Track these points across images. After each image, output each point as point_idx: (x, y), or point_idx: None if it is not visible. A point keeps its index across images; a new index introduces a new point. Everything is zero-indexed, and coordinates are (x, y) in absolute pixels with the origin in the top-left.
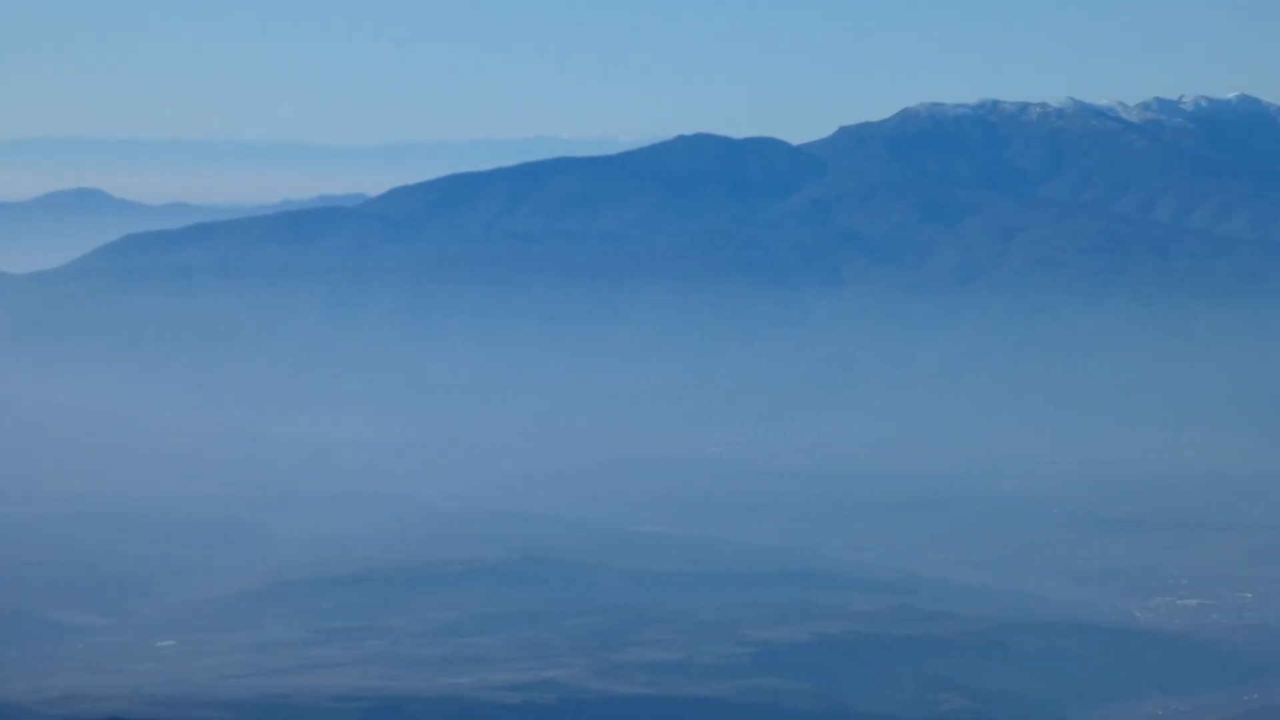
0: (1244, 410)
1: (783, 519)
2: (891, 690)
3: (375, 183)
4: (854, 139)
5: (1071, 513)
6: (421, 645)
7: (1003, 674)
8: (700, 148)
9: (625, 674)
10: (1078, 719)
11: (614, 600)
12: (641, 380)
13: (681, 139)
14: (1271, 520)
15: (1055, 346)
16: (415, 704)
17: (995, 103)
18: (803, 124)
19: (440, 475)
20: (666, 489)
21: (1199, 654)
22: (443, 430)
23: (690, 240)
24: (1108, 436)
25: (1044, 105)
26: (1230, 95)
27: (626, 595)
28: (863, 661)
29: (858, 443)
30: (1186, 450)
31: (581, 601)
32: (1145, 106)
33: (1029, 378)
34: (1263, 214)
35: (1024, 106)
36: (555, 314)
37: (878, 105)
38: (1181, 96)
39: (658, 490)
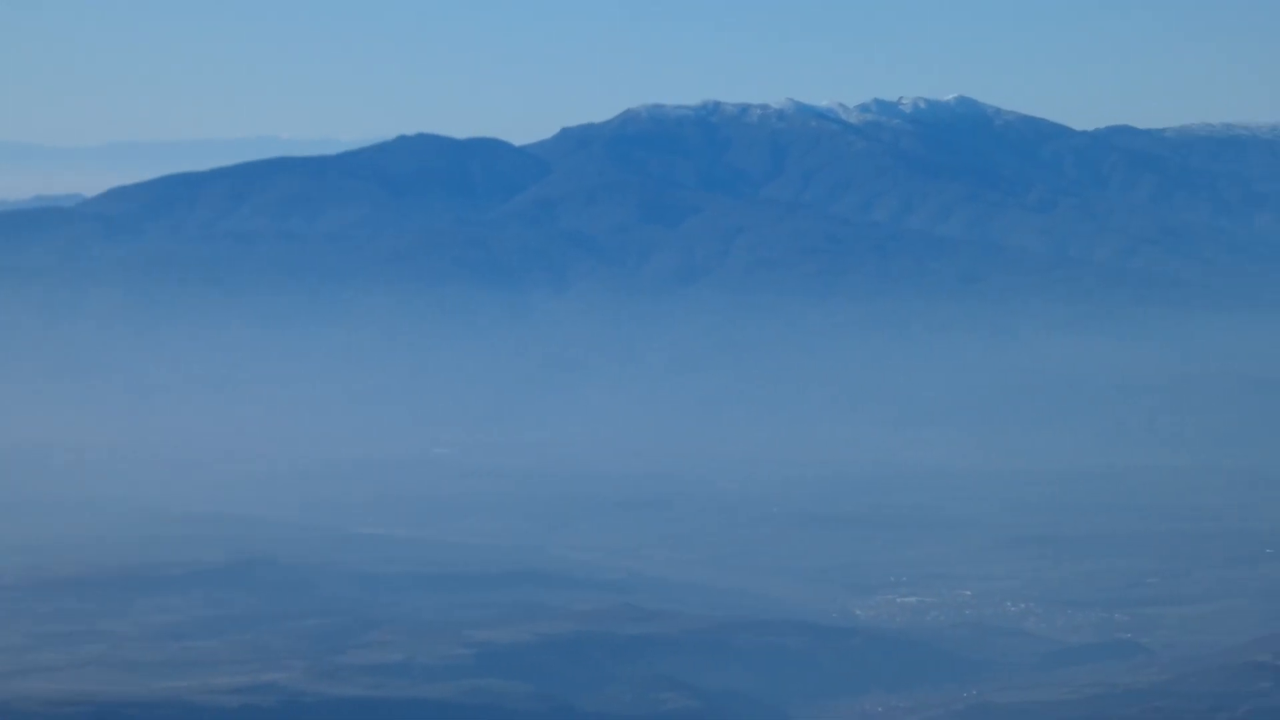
0: (963, 408)
1: (507, 519)
2: (614, 689)
3: (93, 183)
4: (576, 140)
5: (793, 511)
6: (140, 649)
7: (725, 672)
8: (422, 148)
9: (346, 676)
10: (799, 717)
11: (336, 602)
12: (365, 382)
13: (403, 139)
14: (991, 518)
15: (777, 346)
16: (133, 708)
17: (717, 104)
18: (525, 125)
19: (158, 478)
20: (390, 490)
21: (919, 651)
22: (161, 433)
23: (413, 241)
24: (829, 435)
25: (765, 107)
26: (948, 97)
27: (348, 597)
28: (586, 661)
29: (582, 442)
30: (907, 448)
31: (303, 604)
32: (864, 108)
33: (751, 377)
34: (980, 215)
35: (745, 108)
36: (276, 315)
37: (600, 106)
38: (900, 98)
39: (381, 492)
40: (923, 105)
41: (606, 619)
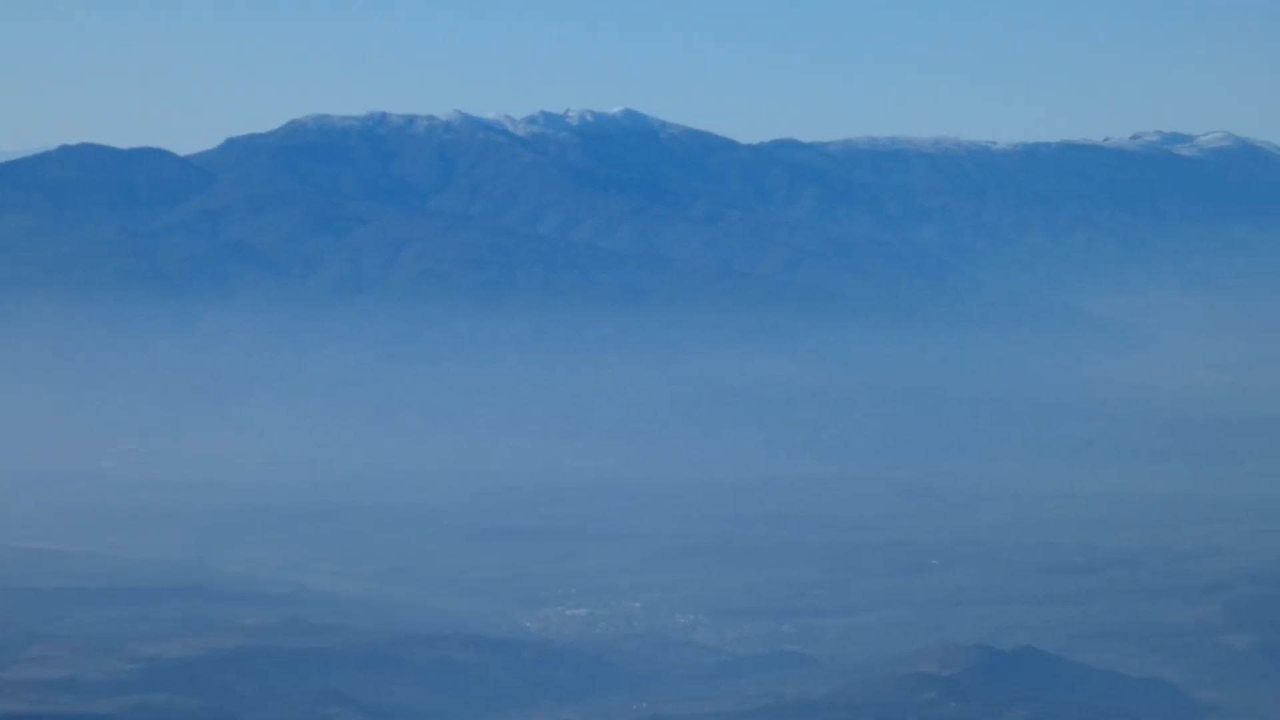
0: (631, 420)
1: (172, 533)
2: (283, 704)
3: None
4: (242, 150)
5: (463, 524)
6: None
7: (395, 687)
8: (84, 158)
9: (12, 692)
10: None
11: None
12: (27, 393)
13: (65, 149)
14: (659, 529)
15: (446, 357)
16: None
17: (383, 115)
18: (190, 135)
19: None
20: (53, 503)
21: (589, 663)
22: None
23: (75, 251)
24: (499, 447)
25: (432, 118)
26: (615, 110)
27: (11, 612)
28: (254, 676)
29: (249, 455)
30: (576, 460)
31: None
32: (532, 120)
33: (420, 389)
34: (646, 227)
35: (412, 119)
36: None
37: (266, 116)
38: (567, 111)
39: (43, 505)
40: (589, 118)
41: (274, 633)
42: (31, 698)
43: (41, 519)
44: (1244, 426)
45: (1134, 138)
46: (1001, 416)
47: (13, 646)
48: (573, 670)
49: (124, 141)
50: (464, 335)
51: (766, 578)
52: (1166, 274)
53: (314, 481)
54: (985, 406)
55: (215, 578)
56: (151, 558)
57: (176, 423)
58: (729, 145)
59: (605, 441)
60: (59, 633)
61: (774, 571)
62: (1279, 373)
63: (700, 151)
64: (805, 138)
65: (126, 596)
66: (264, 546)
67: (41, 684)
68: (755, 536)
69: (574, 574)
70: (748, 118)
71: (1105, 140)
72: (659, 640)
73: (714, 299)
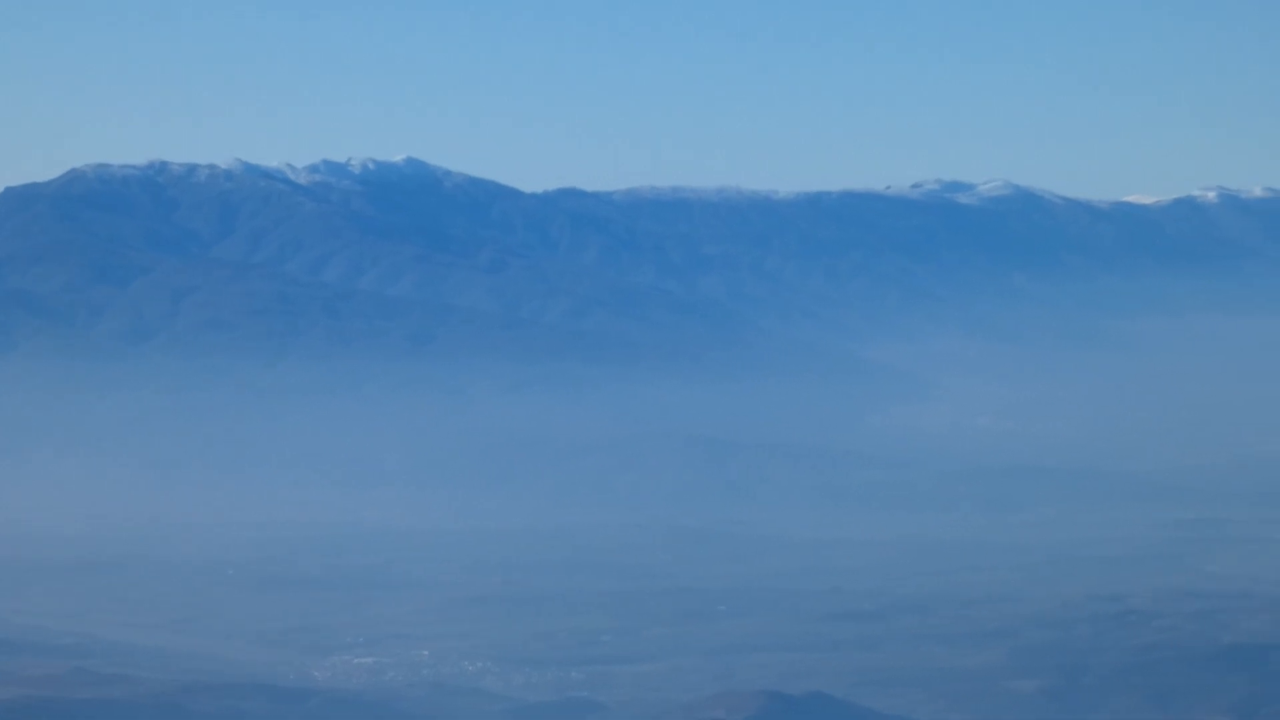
0: (418, 468)
1: None
2: None
3: None
4: (20, 200)
5: (250, 573)
6: None
7: None
8: None
9: None
10: None
11: None
12: None
13: None
14: (447, 577)
15: (230, 407)
16: None
17: (163, 164)
18: None
19: None
20: None
21: (376, 711)
22: None
23: None
24: (285, 497)
25: (213, 167)
26: (397, 158)
27: None
28: None
29: (31, 505)
30: (363, 509)
31: None
32: (313, 169)
33: (204, 439)
34: (430, 275)
35: (192, 168)
36: None
37: (44, 166)
38: (349, 159)
39: None
40: (371, 166)
41: (58, 684)
42: None
43: None
44: (1029, 472)
45: (915, 186)
46: (790, 463)
47: None
48: (358, 718)
49: None
50: (248, 384)
51: (556, 625)
52: (949, 321)
53: (97, 532)
54: (774, 453)
55: None
56: None
57: None
58: (513, 194)
59: (393, 490)
60: None
61: (563, 619)
62: (1062, 419)
63: (484, 199)
64: (589, 187)
65: None
66: (46, 597)
67: None
68: (545, 584)
69: (362, 623)
70: (531, 167)
71: (886, 189)
72: (446, 688)
73: (500, 347)
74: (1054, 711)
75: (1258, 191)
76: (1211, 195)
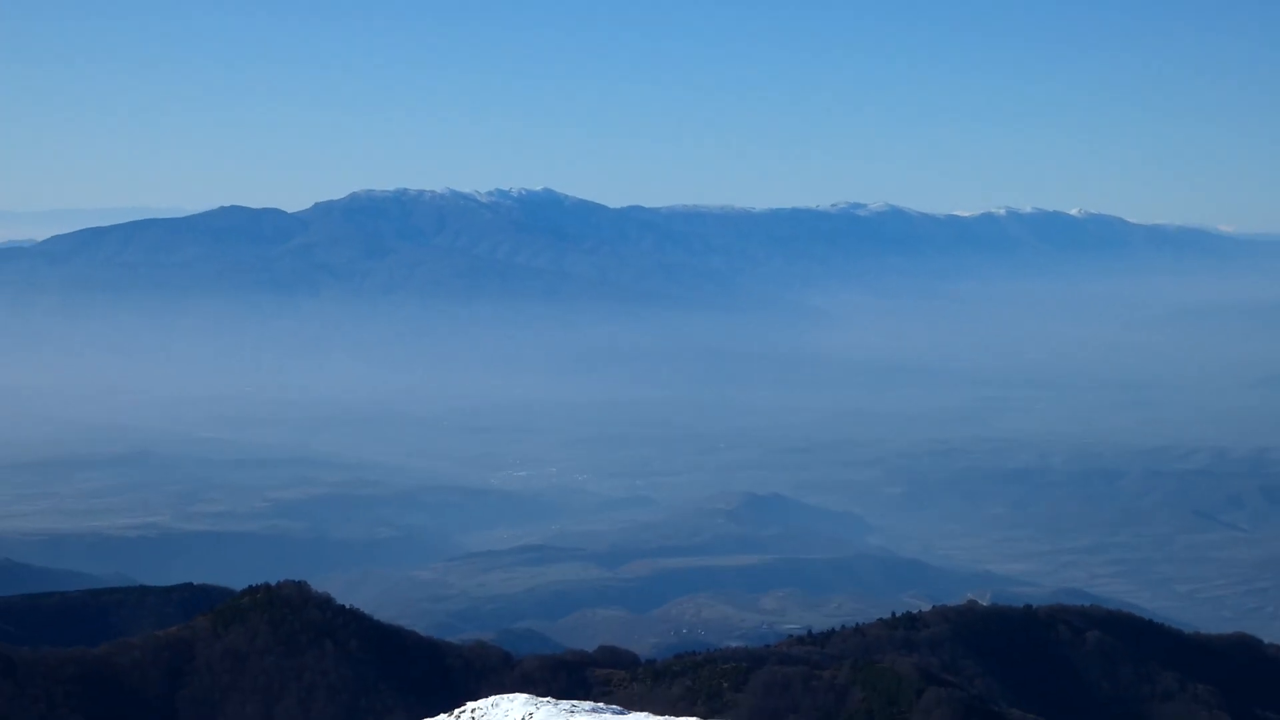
0: (546, 365)
1: None
2: (356, 524)
3: None
4: (322, 210)
5: (454, 422)
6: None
7: (416, 515)
8: None
9: None
10: None
11: None
12: None
13: None
14: (564, 429)
15: (442, 328)
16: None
17: (404, 189)
18: None
19: None
20: None
21: (528, 502)
22: None
23: None
24: (477, 376)
25: (432, 192)
26: (538, 187)
27: None
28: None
29: (358, 378)
30: (515, 388)
31: None
32: (490, 193)
33: (434, 343)
34: (556, 255)
35: (421, 191)
36: None
37: (329, 188)
38: (511, 187)
39: None
40: (518, 193)
41: (344, 487)
42: None
43: None
44: (897, 370)
45: (856, 205)
46: (761, 364)
47: None
48: (518, 506)
49: None
50: (452, 315)
51: (627, 455)
52: (855, 287)
53: (373, 394)
54: (757, 360)
55: None
56: None
57: None
58: (598, 208)
59: (532, 376)
60: None
61: (631, 451)
62: (924, 335)
63: (584, 210)
64: (648, 203)
65: None
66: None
67: None
68: (619, 431)
69: (517, 453)
70: (607, 187)
71: (832, 206)
72: (567, 489)
73: (594, 296)
74: (912, 505)
75: (1028, 209)
76: (1002, 210)
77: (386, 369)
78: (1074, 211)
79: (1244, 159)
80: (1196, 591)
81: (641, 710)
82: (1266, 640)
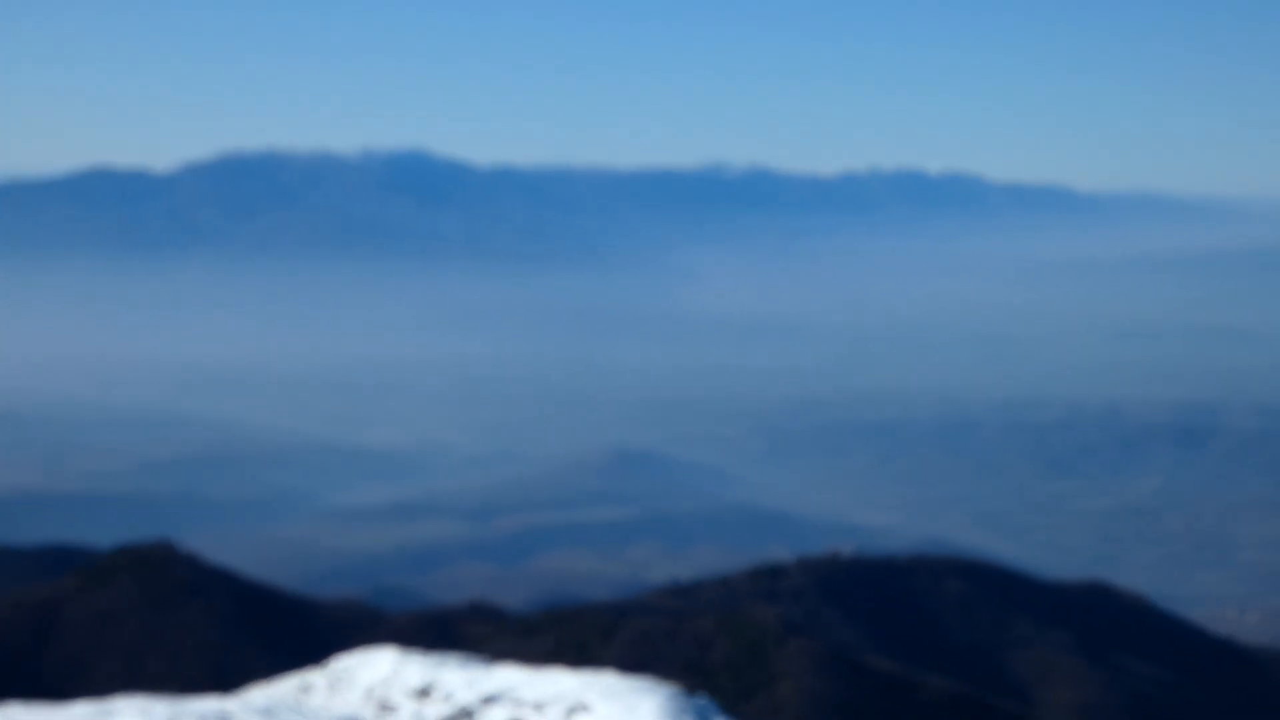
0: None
1: None
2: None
3: None
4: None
5: None
6: None
7: None
8: None
9: None
10: None
11: None
12: None
13: None
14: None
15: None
16: None
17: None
18: None
19: None
20: None
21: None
22: None
23: None
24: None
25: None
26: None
27: None
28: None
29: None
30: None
31: None
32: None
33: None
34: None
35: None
36: None
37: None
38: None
39: None
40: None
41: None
42: None
43: None
44: (759, 329)
45: (717, 166)
46: (627, 326)
47: None
48: (388, 464)
49: None
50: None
51: (498, 413)
52: (709, 239)
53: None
54: (617, 321)
55: None
56: None
57: None
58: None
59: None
60: None
61: (501, 409)
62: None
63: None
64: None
65: None
66: None
67: None
68: (491, 389)
69: (387, 411)
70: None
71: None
72: (437, 447)
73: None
74: (774, 458)
75: (889, 168)
76: (864, 170)
77: (255, 329)
78: (934, 170)
79: (1101, 116)
80: (1053, 540)
81: (507, 665)
82: (1119, 586)
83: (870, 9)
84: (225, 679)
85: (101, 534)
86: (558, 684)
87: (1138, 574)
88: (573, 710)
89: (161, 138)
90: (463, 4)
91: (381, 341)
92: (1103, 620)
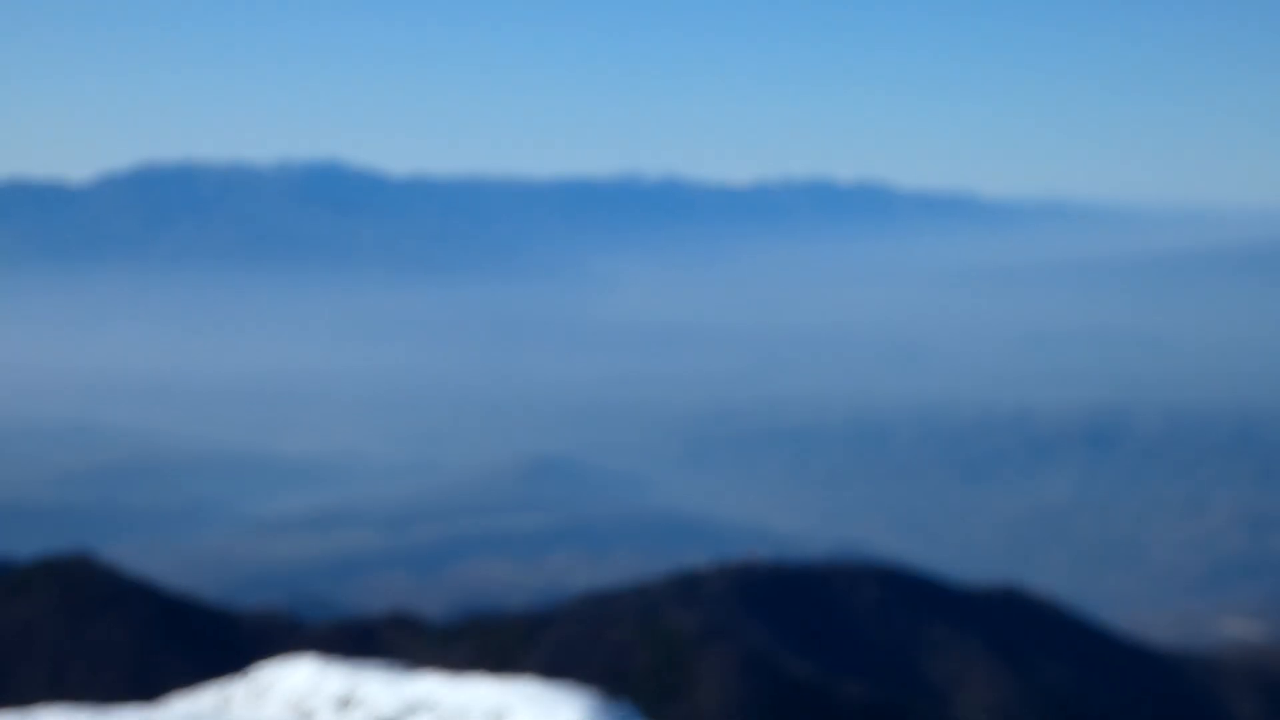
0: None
1: None
2: None
3: None
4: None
5: None
6: None
7: None
8: None
9: None
10: None
11: None
12: None
13: None
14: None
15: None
16: None
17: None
18: None
19: None
20: None
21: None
22: None
23: None
24: None
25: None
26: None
27: None
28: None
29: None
30: None
31: None
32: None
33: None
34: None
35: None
36: None
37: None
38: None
39: None
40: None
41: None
42: None
43: None
44: (678, 329)
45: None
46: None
47: None
48: (304, 473)
49: None
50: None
51: (414, 422)
52: (623, 246)
53: None
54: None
55: None
56: None
57: None
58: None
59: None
60: None
61: (418, 417)
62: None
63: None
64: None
65: None
66: None
67: None
68: (407, 398)
69: (303, 420)
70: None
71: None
72: (353, 456)
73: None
74: (690, 464)
75: (800, 177)
76: (775, 179)
77: (172, 339)
78: (844, 179)
79: (1006, 122)
80: (967, 543)
81: (429, 674)
82: (1032, 589)
83: (781, 18)
84: (146, 689)
85: (19, 546)
86: (479, 692)
87: (1050, 576)
88: (494, 717)
89: (77, 149)
90: (377, 14)
91: (299, 351)
92: (1017, 623)
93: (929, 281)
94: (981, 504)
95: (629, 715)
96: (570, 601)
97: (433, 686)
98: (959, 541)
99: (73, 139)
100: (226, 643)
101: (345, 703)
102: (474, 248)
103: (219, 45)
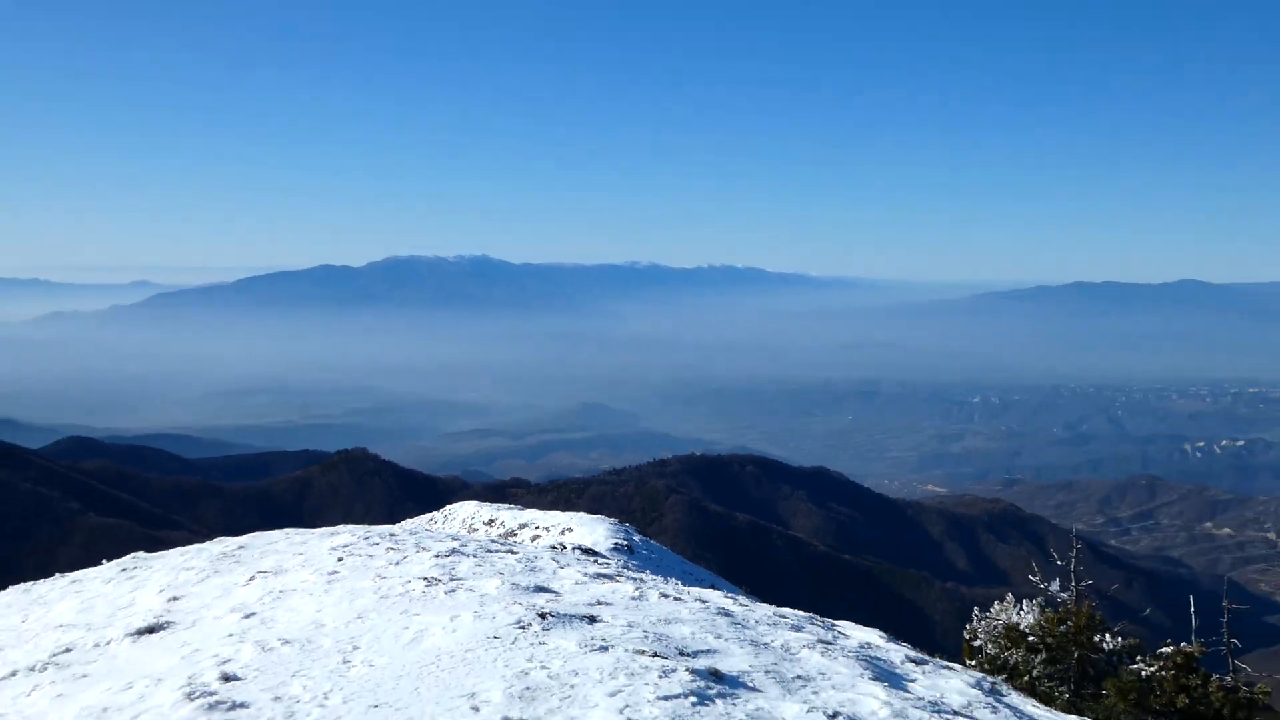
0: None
1: None
2: None
3: None
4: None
5: None
6: None
7: None
8: None
9: None
10: None
11: None
12: None
13: None
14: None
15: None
16: None
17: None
18: None
19: None
20: None
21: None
22: None
23: None
24: None
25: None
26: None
27: None
28: None
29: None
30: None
31: None
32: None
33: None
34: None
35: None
36: None
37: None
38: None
39: None
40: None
41: None
42: None
43: None
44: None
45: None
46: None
47: None
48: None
49: None
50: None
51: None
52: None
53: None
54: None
55: None
56: None
57: None
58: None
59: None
60: None
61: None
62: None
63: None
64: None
65: None
66: None
67: None
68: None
69: None
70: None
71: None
72: None
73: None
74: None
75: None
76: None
77: (405, 346)
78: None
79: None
80: (800, 446)
81: (531, 509)
82: (833, 469)
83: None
84: (394, 518)
85: (330, 443)
86: (556, 517)
87: (842, 464)
88: (564, 529)
89: (359, 247)
90: (508, 168)
91: (468, 352)
92: (823, 486)
93: (789, 318)
94: (809, 427)
95: (631, 530)
96: (601, 474)
97: (534, 514)
98: (796, 444)
99: (357, 240)
100: (432, 494)
101: (490, 523)
102: (553, 300)
103: (411, 176)
